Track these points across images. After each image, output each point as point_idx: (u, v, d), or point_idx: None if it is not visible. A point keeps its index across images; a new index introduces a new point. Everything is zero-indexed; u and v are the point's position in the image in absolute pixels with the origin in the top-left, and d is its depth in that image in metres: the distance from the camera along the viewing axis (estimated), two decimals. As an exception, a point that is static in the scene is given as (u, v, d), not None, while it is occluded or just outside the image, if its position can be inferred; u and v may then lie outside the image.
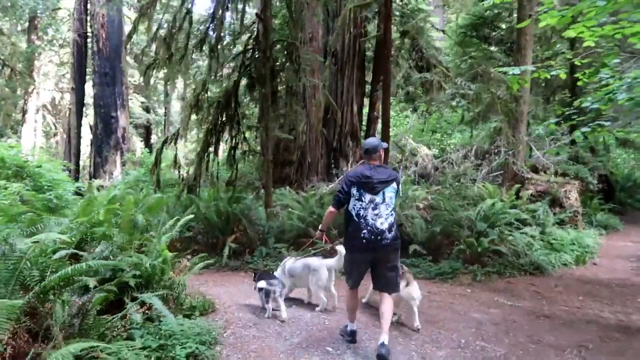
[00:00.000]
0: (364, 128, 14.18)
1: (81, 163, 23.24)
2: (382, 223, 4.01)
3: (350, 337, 4.37)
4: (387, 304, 4.12)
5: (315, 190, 11.44)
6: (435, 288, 6.49)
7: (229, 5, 9.26)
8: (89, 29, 19.79)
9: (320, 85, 11.48)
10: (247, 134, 10.59)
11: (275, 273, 5.61)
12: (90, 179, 19.29)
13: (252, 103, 10.91)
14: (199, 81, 9.37)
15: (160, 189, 9.61)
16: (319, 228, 4.62)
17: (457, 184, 9.18)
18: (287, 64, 9.76)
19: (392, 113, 18.43)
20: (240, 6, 9.20)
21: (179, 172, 9.55)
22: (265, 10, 9.38)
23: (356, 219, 4.03)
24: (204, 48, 9.47)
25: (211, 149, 9.95)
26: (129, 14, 21.36)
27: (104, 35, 18.72)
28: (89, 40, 19.98)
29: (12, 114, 24.54)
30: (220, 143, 10.27)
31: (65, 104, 23.09)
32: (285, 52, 9.73)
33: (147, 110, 26.35)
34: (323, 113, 12.89)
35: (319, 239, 4.73)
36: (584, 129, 6.16)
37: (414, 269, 7.19)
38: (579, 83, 6.43)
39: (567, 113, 6.99)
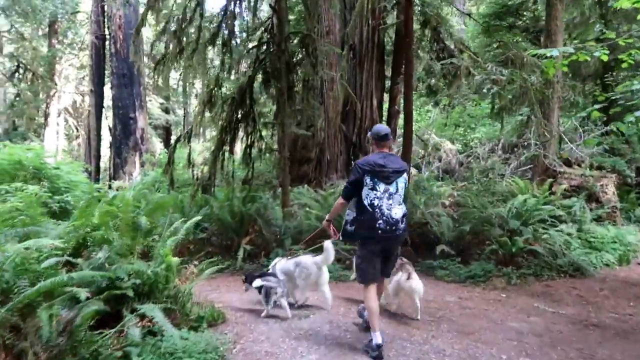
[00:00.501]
0: (384, 123, 13.56)
1: (102, 165, 23.19)
2: (397, 213, 3.92)
3: (377, 352, 3.80)
4: (379, 287, 4.26)
5: (334, 188, 10.89)
6: (467, 293, 5.87)
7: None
8: (106, 31, 19.62)
9: (338, 79, 10.91)
10: (263, 132, 10.09)
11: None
12: (109, 180, 19.11)
13: (268, 99, 10.38)
14: (212, 77, 8.88)
15: (174, 188, 9.17)
16: (326, 218, 4.44)
17: (484, 179, 8.52)
18: (304, 57, 9.23)
19: (413, 107, 17.78)
20: (253, -2, 8.67)
21: (193, 171, 9.08)
22: (279, 1, 8.87)
23: (370, 209, 3.87)
24: (216, 43, 8.98)
25: (226, 147, 9.47)
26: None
27: (121, 36, 18.48)
28: (106, 42, 19.82)
29: (35, 118, 24.55)
30: (236, 141, 9.80)
31: (86, 106, 22.96)
32: (301, 45, 9.19)
33: (166, 111, 26.09)
34: (342, 108, 12.32)
35: (326, 229, 4.50)
36: (630, 118, 5.50)
37: (442, 272, 6.60)
38: (624, 65, 5.74)
39: (612, 97, 6.29)
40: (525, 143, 11.27)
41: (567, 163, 10.11)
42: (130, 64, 18.68)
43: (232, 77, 9.20)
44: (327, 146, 12.38)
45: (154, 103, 23.48)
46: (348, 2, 12.69)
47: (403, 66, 12.98)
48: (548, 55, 5.46)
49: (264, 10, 12.45)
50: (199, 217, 5.33)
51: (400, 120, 15.24)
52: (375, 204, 3.86)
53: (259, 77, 9.49)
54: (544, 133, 9.71)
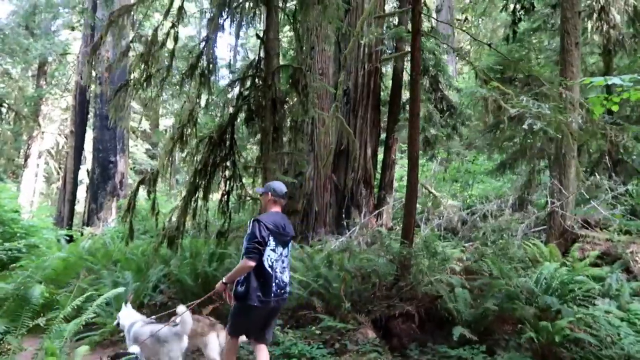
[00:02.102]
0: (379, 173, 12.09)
1: (81, 209, 21.36)
2: (286, 276, 3.84)
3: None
4: (265, 355, 3.84)
5: (322, 244, 9.26)
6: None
7: (226, 24, 7.43)
8: (92, 72, 18.38)
9: (330, 122, 9.51)
10: (244, 177, 8.54)
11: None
12: (83, 226, 17.29)
13: (251, 140, 8.92)
14: (184, 110, 7.41)
15: (133, 240, 7.47)
16: (223, 280, 3.84)
17: (500, 240, 6.95)
18: (293, 93, 7.84)
19: (406, 162, 16.43)
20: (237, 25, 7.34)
21: (157, 219, 7.42)
22: (267, 31, 7.56)
23: (269, 271, 3.67)
24: (195, 75, 7.58)
25: (199, 193, 7.90)
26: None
27: (107, 77, 17.21)
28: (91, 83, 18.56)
29: (15, 159, 22.87)
30: (212, 187, 8.22)
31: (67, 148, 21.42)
32: (291, 81, 7.81)
33: (152, 157, 24.59)
34: (333, 156, 10.87)
35: (220, 292, 3.92)
36: None
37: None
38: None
39: None
40: (536, 200, 9.82)
41: (586, 224, 8.60)
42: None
43: (209, 113, 7.74)
44: (316, 197, 10.83)
45: (139, 148, 21.99)
46: (343, 47, 11.52)
47: (400, 112, 11.76)
48: (603, 83, 4.03)
49: (250, 43, 11.24)
50: (120, 290, 3.64)
51: (397, 171, 13.83)
52: (274, 266, 3.67)
53: (241, 114, 8.06)
54: (560, 190, 8.27)
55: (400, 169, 14.43)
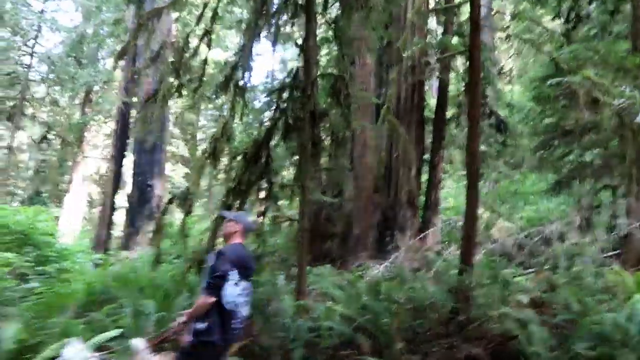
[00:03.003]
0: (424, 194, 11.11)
1: (121, 234, 21.21)
2: (246, 310, 3.59)
3: None
4: None
5: (363, 270, 8.35)
6: None
7: (262, 33, 6.83)
8: (134, 98, 18.38)
9: (373, 139, 8.73)
10: (280, 197, 7.81)
11: None
12: (122, 249, 16.97)
13: (287, 157, 8.21)
14: (218, 124, 6.78)
15: (160, 263, 6.80)
16: (182, 320, 3.49)
17: (575, 268, 5.86)
18: (333, 104, 7.10)
19: (450, 182, 15.34)
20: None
21: (185, 242, 6.73)
22: (307, 39, 6.89)
23: (231, 307, 3.38)
24: (229, 88, 6.96)
25: (233, 213, 7.19)
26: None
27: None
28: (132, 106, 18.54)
29: (59, 184, 23.11)
30: (246, 207, 7.52)
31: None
32: (332, 91, 7.09)
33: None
34: (375, 175, 10.02)
35: (178, 332, 3.57)
36: None
37: None
38: None
39: None
40: (599, 222, 8.63)
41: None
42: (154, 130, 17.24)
43: (245, 130, 7.09)
44: (356, 219, 9.96)
45: (178, 172, 21.78)
46: (385, 61, 10.78)
47: (445, 128, 10.85)
48: None
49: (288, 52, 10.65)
50: (108, 334, 2.88)
51: (445, 190, 12.84)
52: (237, 301, 3.43)
53: (278, 129, 7.37)
54: (637, 209, 7.12)
55: (445, 191, 13.42)
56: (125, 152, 19.51)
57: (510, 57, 22.00)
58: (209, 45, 6.22)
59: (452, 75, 10.71)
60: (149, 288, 6.82)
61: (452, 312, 4.99)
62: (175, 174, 21.14)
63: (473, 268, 5.28)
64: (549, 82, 5.77)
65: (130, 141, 19.33)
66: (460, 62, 11.63)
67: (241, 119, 6.90)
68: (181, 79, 5.95)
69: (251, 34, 6.52)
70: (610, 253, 7.81)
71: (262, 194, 7.74)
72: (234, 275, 3.37)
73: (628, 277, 5.86)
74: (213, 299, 3.29)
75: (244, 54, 6.82)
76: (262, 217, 7.64)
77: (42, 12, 19.09)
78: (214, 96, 6.79)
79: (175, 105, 19.46)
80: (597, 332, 4.21)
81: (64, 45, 19.79)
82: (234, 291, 3.36)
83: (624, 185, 8.84)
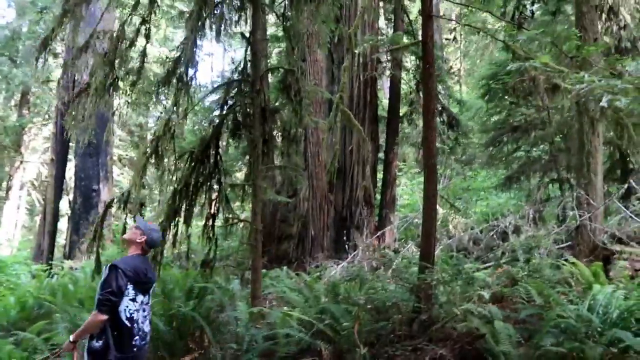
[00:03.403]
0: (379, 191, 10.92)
1: (63, 242, 19.85)
2: (147, 325, 3.36)
3: None
4: None
5: (321, 271, 8.02)
6: None
7: (207, 24, 6.32)
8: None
9: (326, 137, 8.40)
10: (231, 197, 7.33)
11: None
12: (65, 259, 15.82)
13: (240, 156, 7.73)
14: (160, 122, 6.24)
15: (99, 273, 6.17)
16: (71, 338, 3.18)
17: (534, 261, 5.75)
18: (284, 100, 6.71)
19: (404, 180, 15.29)
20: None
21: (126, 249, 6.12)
22: (254, 31, 6.48)
23: (129, 324, 3.15)
24: (172, 82, 6.42)
25: (180, 217, 6.67)
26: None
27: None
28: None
29: (-5, 191, 21.44)
30: (194, 209, 6.99)
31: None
32: (282, 85, 6.69)
33: (142, 186, 23.22)
34: (331, 173, 9.71)
35: (68, 352, 3.39)
36: None
37: None
38: None
39: None
40: (548, 214, 8.71)
41: (618, 240, 7.45)
42: (98, 132, 16.21)
43: (189, 125, 6.57)
44: (312, 220, 9.62)
45: (126, 176, 20.66)
46: (336, 58, 10.50)
47: (399, 125, 10.70)
48: None
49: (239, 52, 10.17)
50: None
51: (400, 188, 12.72)
52: (134, 317, 3.19)
53: (227, 126, 6.90)
54: (587, 200, 7.16)
55: (399, 188, 13.31)
56: (69, 156, 18.31)
57: (457, 58, 22.42)
58: (147, 37, 5.67)
59: (403, 74, 10.57)
60: (90, 300, 6.19)
61: (414, 312, 4.73)
62: (123, 178, 20.03)
63: (434, 265, 5.04)
64: (508, 68, 5.62)
65: (73, 144, 18.13)
66: (411, 61, 11.56)
67: (185, 117, 6.37)
68: (117, 72, 5.38)
69: (194, 24, 6.02)
70: (563, 245, 7.86)
71: (212, 196, 7.26)
72: (130, 289, 3.15)
73: (584, 269, 5.82)
74: (104, 317, 3.05)
75: (188, 46, 6.31)
76: (212, 220, 7.14)
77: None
78: (156, 92, 6.21)
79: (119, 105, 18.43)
80: (562, 326, 4.05)
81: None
82: (131, 306, 3.15)
83: (572, 179, 8.95)
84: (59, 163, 16.96)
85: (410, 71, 11.18)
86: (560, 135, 10.84)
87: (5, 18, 20.34)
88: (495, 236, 7.89)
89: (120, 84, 5.51)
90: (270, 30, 13.01)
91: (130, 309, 3.14)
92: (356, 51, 9.80)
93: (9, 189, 20.45)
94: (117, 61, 5.38)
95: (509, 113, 12.07)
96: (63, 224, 19.37)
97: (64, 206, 19.54)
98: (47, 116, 20.51)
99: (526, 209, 8.22)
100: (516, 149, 11.73)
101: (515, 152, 11.77)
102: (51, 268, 14.19)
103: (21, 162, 20.19)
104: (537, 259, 5.96)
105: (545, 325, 4.04)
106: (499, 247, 7.70)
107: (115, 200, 6.15)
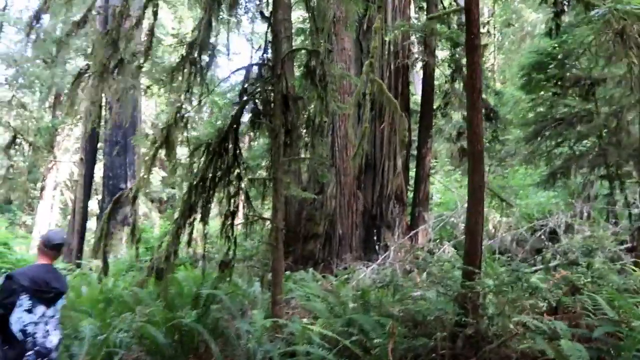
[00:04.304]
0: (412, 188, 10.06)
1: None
2: (52, 340, 3.02)
3: None
4: None
5: (349, 273, 7.25)
6: None
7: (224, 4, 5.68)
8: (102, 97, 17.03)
9: (354, 129, 7.64)
10: (252, 193, 6.67)
11: None
12: (94, 259, 15.61)
13: (263, 152, 7.06)
14: (171, 109, 5.62)
15: (106, 275, 5.60)
16: None
17: (598, 265, 4.84)
18: (308, 85, 5.98)
19: (438, 177, 14.33)
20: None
21: (137, 248, 5.55)
22: (275, 10, 5.79)
23: (22, 337, 2.86)
24: (184, 68, 5.80)
25: (196, 214, 6.05)
26: (144, 80, 18.64)
27: (117, 102, 15.78)
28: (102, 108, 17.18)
29: (29, 191, 21.56)
30: (211, 205, 6.36)
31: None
32: (305, 70, 5.97)
33: (172, 185, 22.95)
34: (358, 170, 8.94)
35: None
36: None
37: None
38: None
39: None
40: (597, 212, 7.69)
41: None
42: (126, 131, 15.95)
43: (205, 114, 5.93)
44: (339, 218, 8.86)
45: (155, 176, 20.40)
46: (365, 47, 9.71)
47: (433, 117, 9.83)
48: None
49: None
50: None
51: (432, 186, 11.82)
52: (29, 331, 2.87)
53: (246, 116, 6.24)
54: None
55: (431, 187, 12.41)
56: (99, 156, 18.18)
57: (490, 53, 21.24)
58: (155, 14, 5.06)
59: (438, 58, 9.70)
60: (94, 304, 5.63)
61: (457, 325, 3.91)
62: (151, 177, 19.78)
63: (481, 269, 4.22)
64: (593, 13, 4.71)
65: (102, 144, 17.99)
66: (445, 48, 10.67)
67: (200, 104, 5.74)
68: (121, 53, 4.78)
69: (208, 2, 5.38)
70: (623, 246, 6.84)
71: (232, 191, 6.61)
72: (24, 300, 2.85)
73: (659, 274, 4.87)
74: None
75: (203, 27, 5.68)
76: (231, 218, 6.49)
77: (4, 9, 17.68)
78: (170, 80, 5.60)
79: (147, 103, 18.16)
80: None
81: (29, 45, 18.30)
82: (25, 319, 2.85)
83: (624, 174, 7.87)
84: (88, 162, 16.80)
85: (445, 60, 10.28)
86: (606, 130, 9.75)
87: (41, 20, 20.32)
88: (543, 236, 6.94)
89: (126, 67, 4.90)
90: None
91: (24, 321, 2.84)
92: (387, 38, 9.02)
93: (42, 189, 20.52)
94: (121, 41, 4.78)
95: (551, 105, 11.03)
96: (93, 223, 19.27)
97: (95, 205, 19.44)
98: (78, 116, 20.48)
99: (578, 207, 7.23)
100: (559, 143, 10.68)
101: (558, 147, 10.71)
102: (79, 267, 13.93)
103: (54, 162, 20.22)
104: (599, 262, 5.02)
105: (628, 348, 3.16)
106: (548, 248, 6.76)
107: (123, 197, 5.56)
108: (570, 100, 10.93)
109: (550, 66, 10.45)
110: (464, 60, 10.23)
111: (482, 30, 21.77)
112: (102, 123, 16.93)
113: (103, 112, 16.93)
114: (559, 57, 10.55)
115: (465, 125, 10.65)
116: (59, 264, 12.88)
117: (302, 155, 7.29)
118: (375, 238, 8.48)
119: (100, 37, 4.75)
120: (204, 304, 4.31)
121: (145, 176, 5.37)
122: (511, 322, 3.86)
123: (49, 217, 20.73)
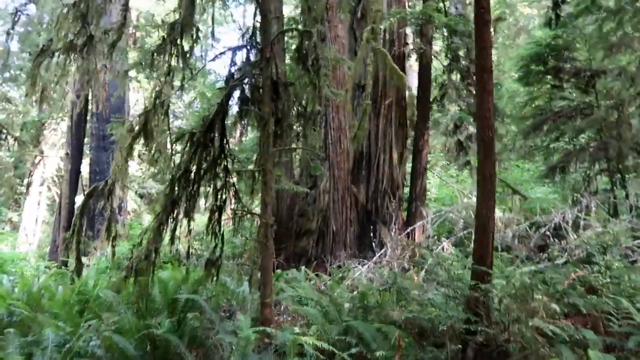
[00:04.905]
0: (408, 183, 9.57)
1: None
2: None
3: None
4: None
5: (344, 271, 6.76)
6: None
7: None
8: (89, 90, 16.35)
9: (348, 118, 7.13)
10: (240, 186, 6.14)
11: None
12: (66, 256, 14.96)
13: (254, 146, 6.53)
14: (150, 91, 5.08)
15: (80, 276, 5.05)
16: None
17: (617, 264, 4.38)
18: (300, 71, 5.46)
19: (434, 172, 13.88)
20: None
21: (113, 246, 5.01)
22: (264, -13, 5.26)
23: None
24: (166, 49, 5.25)
25: (180, 209, 5.51)
26: (132, 73, 17.94)
27: (104, 95, 15.10)
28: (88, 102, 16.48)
29: (16, 187, 20.81)
30: (197, 200, 5.83)
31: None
32: (297, 54, 5.44)
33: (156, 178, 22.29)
34: (353, 163, 8.44)
35: None
36: None
37: None
38: None
39: None
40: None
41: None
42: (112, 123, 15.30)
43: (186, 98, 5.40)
44: (333, 213, 8.35)
45: (144, 171, 19.76)
46: (359, 35, 9.17)
47: (430, 108, 9.36)
48: None
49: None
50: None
51: (428, 180, 11.36)
52: None
53: (233, 103, 5.70)
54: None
55: (428, 180, 11.95)
56: (85, 150, 17.48)
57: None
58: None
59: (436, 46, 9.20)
60: (71, 306, 5.08)
61: (469, 333, 3.42)
62: (141, 173, 19.16)
63: (492, 270, 3.73)
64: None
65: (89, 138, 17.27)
66: (441, 38, 10.16)
67: (182, 89, 5.20)
68: (90, 29, 4.22)
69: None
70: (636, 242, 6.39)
71: (218, 184, 6.08)
72: None
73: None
74: None
75: (184, 6, 5.13)
76: (217, 213, 5.96)
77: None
78: (150, 63, 5.05)
79: (137, 97, 17.51)
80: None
81: (14, 36, 17.52)
82: None
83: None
84: (74, 157, 16.08)
85: (442, 50, 9.80)
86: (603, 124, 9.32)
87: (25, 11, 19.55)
88: (548, 232, 6.49)
89: (97, 45, 4.34)
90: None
91: None
92: (382, 26, 8.50)
93: (29, 185, 19.78)
94: (90, 16, 4.22)
95: (550, 97, 10.59)
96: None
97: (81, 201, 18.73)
98: (65, 110, 19.75)
99: (584, 201, 6.77)
100: (558, 137, 10.25)
101: (557, 141, 10.29)
102: (65, 265, 13.31)
103: (41, 157, 19.50)
104: (617, 260, 4.57)
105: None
106: (554, 245, 6.30)
107: (98, 190, 5.00)
108: (570, 93, 10.52)
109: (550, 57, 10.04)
110: (461, 52, 9.77)
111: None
112: (89, 117, 16.27)
113: (89, 106, 16.28)
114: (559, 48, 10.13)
115: (462, 118, 10.19)
116: (43, 262, 12.26)
117: (294, 146, 6.77)
118: (370, 235, 7.98)
119: (64, 12, 4.18)
120: (182, 310, 3.79)
121: (121, 167, 4.80)
122: (528, 329, 3.39)
123: (35, 213, 20.01)
